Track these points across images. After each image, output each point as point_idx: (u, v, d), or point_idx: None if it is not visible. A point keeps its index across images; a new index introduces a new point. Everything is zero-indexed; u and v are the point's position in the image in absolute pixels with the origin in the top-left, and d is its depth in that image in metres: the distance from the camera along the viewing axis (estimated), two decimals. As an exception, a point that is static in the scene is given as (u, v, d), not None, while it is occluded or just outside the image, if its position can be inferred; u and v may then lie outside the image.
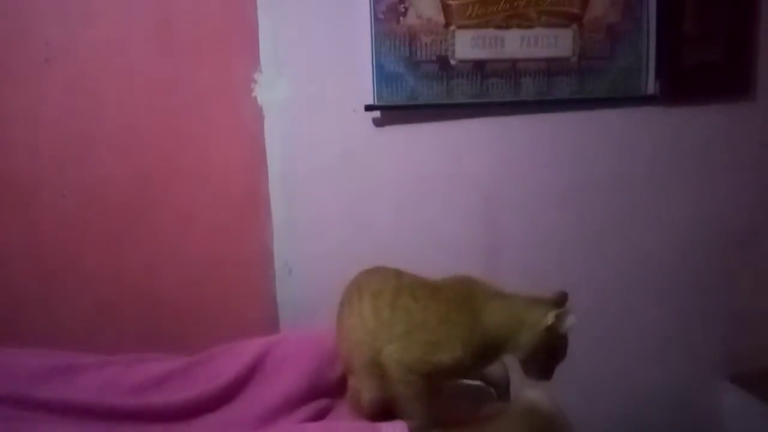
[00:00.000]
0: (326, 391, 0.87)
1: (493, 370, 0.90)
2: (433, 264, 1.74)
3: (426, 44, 1.59)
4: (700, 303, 1.89)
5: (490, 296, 0.79)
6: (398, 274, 0.82)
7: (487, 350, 0.76)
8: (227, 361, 0.89)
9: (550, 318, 0.76)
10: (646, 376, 1.88)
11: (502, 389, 0.86)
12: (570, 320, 0.76)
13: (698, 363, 1.92)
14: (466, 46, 1.61)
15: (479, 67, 1.63)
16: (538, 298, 0.81)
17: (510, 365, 0.85)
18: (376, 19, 1.55)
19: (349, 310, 0.79)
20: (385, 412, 0.74)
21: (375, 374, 0.76)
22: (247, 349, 0.90)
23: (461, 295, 0.79)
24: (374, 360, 0.76)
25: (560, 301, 0.81)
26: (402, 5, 1.56)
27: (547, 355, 0.77)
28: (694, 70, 1.76)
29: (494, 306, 0.78)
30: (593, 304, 1.81)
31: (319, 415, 0.85)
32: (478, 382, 0.95)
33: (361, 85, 1.58)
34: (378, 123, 1.62)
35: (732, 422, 1.92)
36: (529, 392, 0.80)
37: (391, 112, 1.62)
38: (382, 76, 1.58)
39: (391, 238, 1.68)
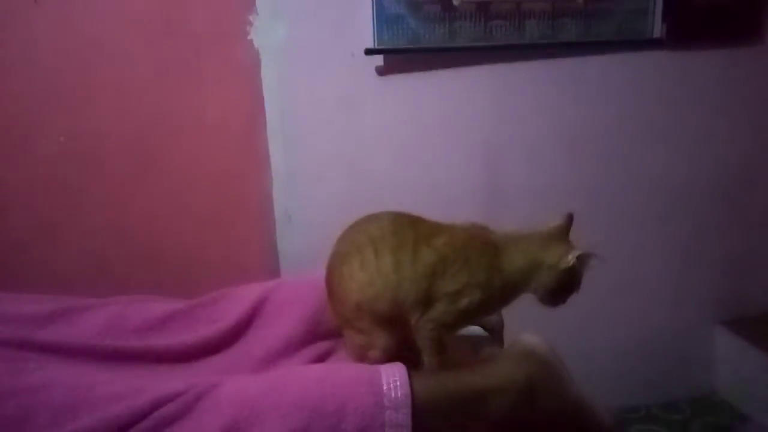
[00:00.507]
0: (326, 334, 0.88)
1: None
2: (433, 210, 1.74)
3: (428, -16, 1.54)
4: (696, 248, 1.90)
5: (505, 241, 0.79)
6: (412, 223, 0.80)
7: (506, 292, 0.77)
8: (228, 305, 0.90)
9: (571, 259, 0.76)
10: (640, 320, 1.91)
11: (496, 334, 0.87)
12: (589, 259, 0.77)
13: (692, 308, 1.94)
14: (470, -15, 1.56)
15: (483, 8, 1.58)
16: (552, 232, 0.81)
17: (504, 310, 0.86)
18: (376, -42, 1.50)
19: (360, 262, 0.77)
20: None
21: (392, 327, 0.77)
22: (248, 294, 0.90)
23: (479, 242, 0.79)
24: (393, 312, 0.76)
25: (568, 226, 0.82)
26: (403, -57, 1.51)
27: (564, 290, 0.79)
28: (703, 12, 1.71)
29: (511, 250, 0.78)
30: (591, 247, 1.82)
31: (320, 358, 0.86)
32: (476, 327, 0.96)
33: (361, 27, 1.54)
34: (380, 71, 1.58)
35: (724, 366, 1.96)
36: (525, 336, 0.81)
37: (392, 58, 1.58)
38: (383, 18, 1.53)
39: (391, 184, 1.67)
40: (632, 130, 1.78)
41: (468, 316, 0.76)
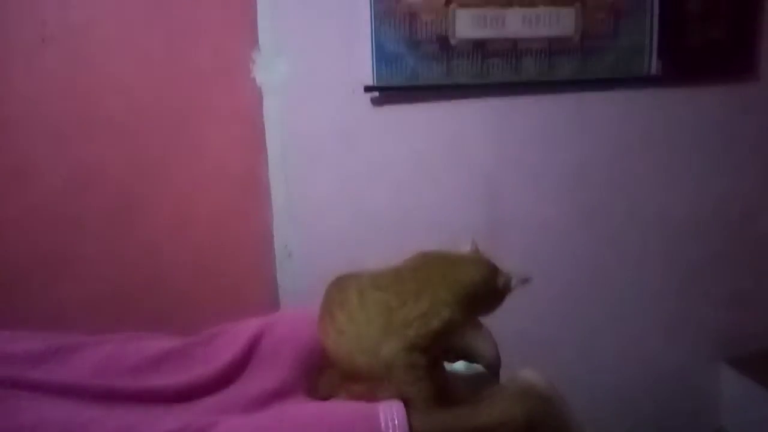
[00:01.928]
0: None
1: (484, 349, 0.89)
2: (433, 244, 1.74)
3: (426, 23, 1.57)
4: (698, 285, 1.89)
5: (456, 257, 0.81)
6: (352, 277, 0.82)
7: (472, 300, 0.77)
8: (224, 343, 0.89)
9: (515, 283, 0.79)
10: (644, 358, 1.89)
11: (493, 370, 0.86)
12: (517, 283, 0.80)
13: (696, 345, 1.92)
14: (467, 25, 1.59)
15: (480, 46, 1.61)
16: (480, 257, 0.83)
17: (500, 346, 0.85)
18: (375, -2, 1.54)
19: (326, 334, 0.79)
20: None
21: (380, 375, 0.76)
22: (244, 331, 0.89)
23: (424, 266, 0.80)
24: (372, 363, 0.76)
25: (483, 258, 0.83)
26: (402, -16, 1.54)
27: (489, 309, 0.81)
28: (698, 49, 1.74)
29: (465, 263, 0.80)
30: (592, 285, 1.82)
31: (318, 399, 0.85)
32: (474, 365, 0.95)
33: (361, 65, 1.56)
34: (376, 102, 1.60)
35: (729, 404, 1.93)
36: (524, 372, 0.80)
37: (390, 92, 1.60)
38: (382, 56, 1.56)
39: (391, 220, 1.68)
40: (632, 166, 1.79)
41: (440, 336, 0.75)
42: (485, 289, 0.78)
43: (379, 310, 0.75)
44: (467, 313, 0.77)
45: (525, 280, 0.80)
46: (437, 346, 0.76)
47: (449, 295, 0.76)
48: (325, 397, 0.83)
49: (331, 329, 0.79)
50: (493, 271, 0.80)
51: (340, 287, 0.81)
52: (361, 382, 0.77)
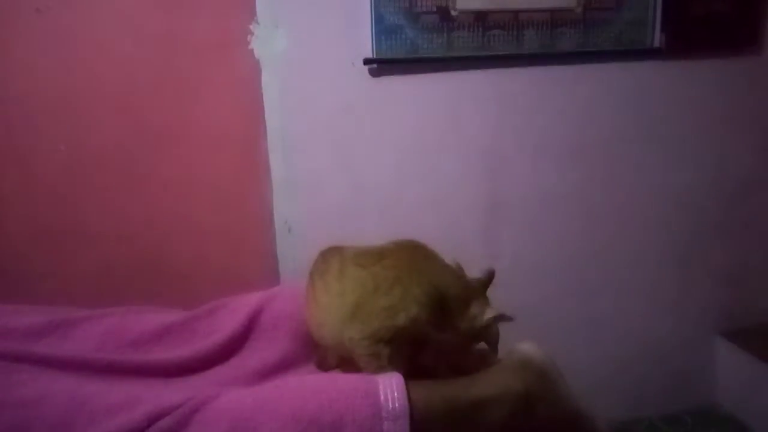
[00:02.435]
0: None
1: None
2: (434, 219, 1.75)
3: (427, -6, 1.55)
4: (696, 258, 1.90)
5: (443, 266, 0.80)
6: (340, 248, 0.82)
7: (441, 307, 0.77)
8: (224, 317, 0.89)
9: (486, 319, 0.77)
10: (641, 330, 1.90)
11: (492, 344, 0.87)
12: (492, 319, 0.78)
13: (692, 317, 1.94)
14: (468, -4, 1.57)
15: (481, 18, 1.59)
16: (474, 285, 0.81)
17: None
18: (375, -31, 1.51)
19: (306, 298, 0.80)
20: None
21: (344, 353, 0.77)
22: (244, 305, 0.90)
23: (409, 256, 0.79)
24: (337, 339, 0.77)
25: (489, 282, 0.82)
26: (402, -47, 1.51)
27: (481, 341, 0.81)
28: (701, 22, 1.72)
29: (448, 276, 0.79)
30: (591, 257, 1.82)
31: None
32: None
33: (360, 37, 1.54)
34: (376, 75, 1.59)
35: (724, 376, 1.95)
36: (522, 345, 0.80)
37: (390, 64, 1.58)
38: (382, 28, 1.54)
39: (390, 195, 1.67)
40: (632, 139, 1.79)
41: (404, 332, 0.75)
42: (456, 306, 0.77)
43: (353, 286, 0.76)
44: (434, 318, 0.77)
45: (503, 317, 0.78)
46: (402, 340, 0.76)
47: (422, 295, 0.75)
48: (326, 370, 0.84)
49: (310, 297, 0.80)
50: (469, 295, 0.78)
51: (325, 257, 0.82)
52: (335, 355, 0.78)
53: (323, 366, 0.84)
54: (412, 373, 0.73)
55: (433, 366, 0.80)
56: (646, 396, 1.94)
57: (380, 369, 0.74)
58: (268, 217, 1.63)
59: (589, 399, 0.81)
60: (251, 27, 1.53)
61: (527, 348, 0.80)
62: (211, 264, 1.63)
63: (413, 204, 1.68)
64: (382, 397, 0.67)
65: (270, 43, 1.54)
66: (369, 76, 1.59)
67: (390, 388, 0.68)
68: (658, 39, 1.69)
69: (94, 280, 1.56)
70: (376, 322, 0.74)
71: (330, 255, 0.82)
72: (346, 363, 0.79)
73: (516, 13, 1.60)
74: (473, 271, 0.84)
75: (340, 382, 0.71)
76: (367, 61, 1.56)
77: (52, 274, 1.54)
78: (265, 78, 1.56)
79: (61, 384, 0.69)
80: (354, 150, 1.63)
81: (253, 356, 0.85)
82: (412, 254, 0.81)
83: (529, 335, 0.83)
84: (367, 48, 1.55)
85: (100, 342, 0.82)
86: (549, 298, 1.79)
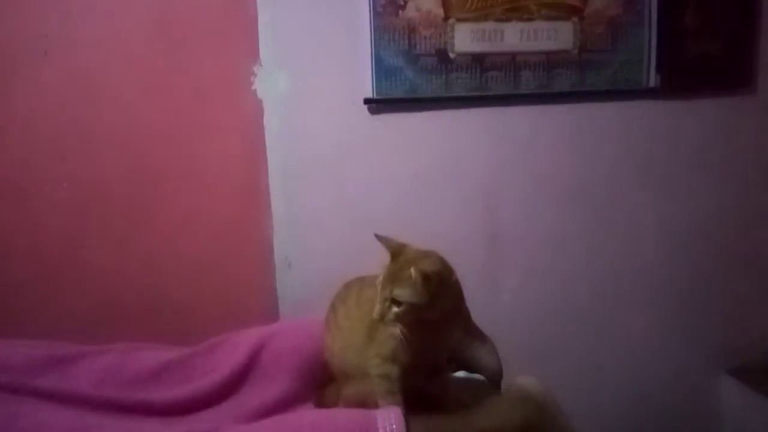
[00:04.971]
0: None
1: (488, 361, 0.90)
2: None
3: (425, 37, 1.59)
4: (699, 296, 1.89)
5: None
6: (362, 278, 0.84)
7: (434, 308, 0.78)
8: (224, 355, 0.89)
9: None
10: (645, 369, 1.88)
11: (495, 381, 0.86)
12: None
13: (697, 356, 1.92)
14: (466, 39, 1.61)
15: (478, 60, 1.63)
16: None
17: (502, 356, 0.85)
18: (375, 12, 1.55)
19: (327, 328, 0.81)
20: None
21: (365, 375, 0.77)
22: (244, 342, 0.90)
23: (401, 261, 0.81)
24: (361, 362, 0.77)
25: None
26: (401, -2, 1.56)
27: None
28: (695, 62, 1.76)
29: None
30: (593, 296, 1.82)
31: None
32: (475, 375, 0.95)
33: (361, 78, 1.58)
34: (375, 114, 1.62)
35: (730, 414, 1.92)
36: (521, 378, 0.80)
37: (389, 104, 1.61)
38: (381, 69, 1.57)
39: (390, 232, 1.67)
40: (630, 178, 1.80)
41: (406, 340, 0.75)
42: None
43: (369, 308, 0.76)
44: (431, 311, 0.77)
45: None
46: (414, 366, 0.76)
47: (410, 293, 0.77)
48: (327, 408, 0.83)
49: (332, 324, 0.81)
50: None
51: (348, 284, 0.84)
52: (354, 383, 0.77)
53: (323, 405, 0.83)
54: (419, 403, 0.72)
55: (440, 395, 0.79)
56: (650, 434, 1.91)
57: (388, 394, 0.73)
58: (269, 253, 1.64)
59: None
60: (254, 68, 1.57)
61: (526, 382, 0.80)
62: (211, 300, 1.63)
63: (412, 240, 1.67)
64: (380, 431, 0.67)
65: (273, 84, 1.57)
66: (369, 114, 1.61)
67: (389, 422, 0.68)
68: (653, 79, 1.73)
69: (94, 316, 1.55)
70: (381, 335, 0.75)
71: (352, 283, 0.84)
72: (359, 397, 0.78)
73: (513, 55, 1.64)
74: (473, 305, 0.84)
75: (338, 417, 0.71)
76: (367, 101, 1.59)
77: (53, 310, 1.53)
78: (267, 117, 1.58)
79: (62, 415, 0.69)
80: (354, 187, 1.65)
81: (253, 394, 0.84)
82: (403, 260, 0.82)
83: (529, 371, 0.82)
84: (367, 88, 1.58)
85: (99, 380, 0.81)
86: (550, 335, 1.78)
